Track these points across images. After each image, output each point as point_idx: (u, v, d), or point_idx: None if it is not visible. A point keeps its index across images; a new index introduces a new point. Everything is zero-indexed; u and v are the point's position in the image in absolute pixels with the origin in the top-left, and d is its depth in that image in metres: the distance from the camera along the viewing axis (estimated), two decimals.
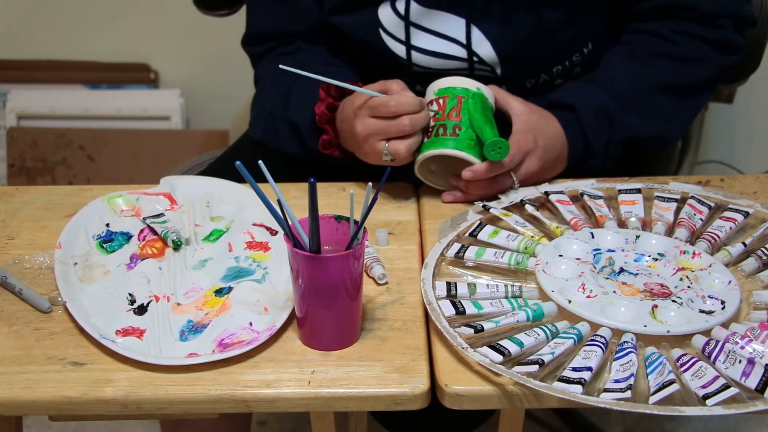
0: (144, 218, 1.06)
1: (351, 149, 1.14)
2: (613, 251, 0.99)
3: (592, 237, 1.01)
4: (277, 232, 1.04)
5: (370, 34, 1.21)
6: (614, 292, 0.92)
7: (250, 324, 0.90)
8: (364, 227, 0.85)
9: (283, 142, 1.23)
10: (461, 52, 1.19)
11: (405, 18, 1.18)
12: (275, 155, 1.22)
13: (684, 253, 0.98)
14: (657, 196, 1.09)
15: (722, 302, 0.90)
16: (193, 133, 2.26)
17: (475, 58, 1.19)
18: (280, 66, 1.07)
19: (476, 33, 1.18)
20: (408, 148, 1.07)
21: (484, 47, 1.19)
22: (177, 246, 1.01)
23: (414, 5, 1.18)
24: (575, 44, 1.23)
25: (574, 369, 0.81)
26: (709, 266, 0.96)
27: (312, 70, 1.09)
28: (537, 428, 1.77)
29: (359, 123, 1.07)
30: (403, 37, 1.20)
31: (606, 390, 0.79)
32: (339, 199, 1.14)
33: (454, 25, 1.18)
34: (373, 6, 1.20)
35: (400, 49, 1.21)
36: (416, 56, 1.21)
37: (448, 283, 0.94)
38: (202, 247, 1.03)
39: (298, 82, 1.18)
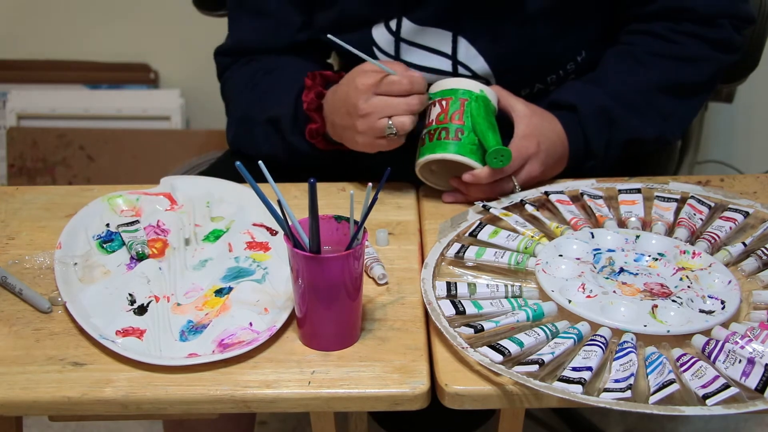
0: (117, 225, 1.05)
1: (339, 136, 1.12)
2: (613, 251, 0.99)
3: (592, 237, 1.01)
4: (277, 232, 1.04)
5: (364, 52, 1.20)
6: (614, 292, 0.92)
7: (250, 324, 0.90)
8: (364, 227, 0.85)
9: (259, 142, 1.21)
10: (447, 65, 1.19)
11: (396, 35, 1.18)
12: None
13: (684, 253, 0.98)
14: (657, 196, 1.09)
15: (722, 302, 0.90)
16: (193, 133, 2.26)
17: (463, 70, 1.19)
18: (329, 36, 1.06)
19: (469, 48, 1.18)
20: (412, 122, 1.07)
21: (477, 62, 1.19)
22: (141, 258, 1.01)
23: (406, 23, 1.18)
24: (569, 53, 1.23)
25: (574, 369, 0.81)
26: (709, 266, 0.96)
27: (290, 72, 1.11)
28: (537, 428, 1.77)
29: (363, 101, 1.06)
30: (394, 53, 1.20)
31: (606, 390, 0.79)
32: (339, 199, 1.14)
33: (443, 39, 1.18)
34: (367, 27, 1.20)
35: None
36: None
37: (448, 283, 0.94)
38: (202, 247, 1.03)
39: (275, 81, 1.19)
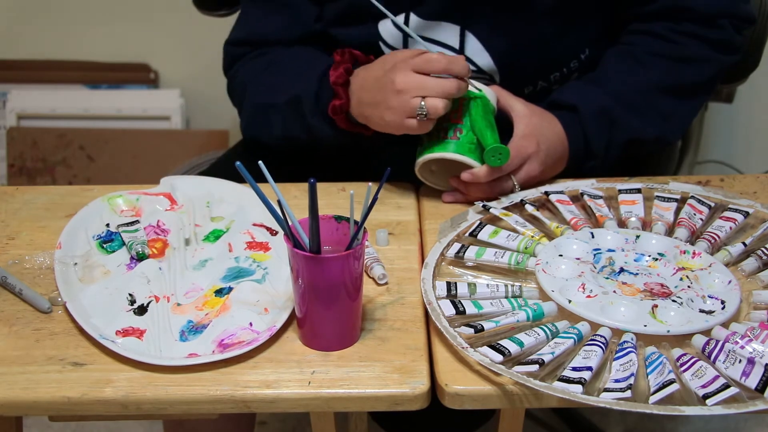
0: (118, 225, 1.05)
1: (364, 116, 1.10)
2: (613, 251, 0.99)
3: (592, 237, 1.01)
4: (277, 232, 1.04)
5: (369, 46, 1.20)
6: (614, 291, 0.92)
7: (250, 324, 0.90)
8: (364, 227, 0.85)
9: (275, 126, 1.20)
10: None
11: (404, 30, 1.18)
12: (275, 156, 1.22)
13: (684, 252, 0.98)
14: (657, 196, 1.09)
15: (722, 302, 0.90)
16: (193, 133, 2.26)
17: (471, 66, 1.19)
18: (372, 0, 1.05)
19: (474, 43, 1.18)
20: (445, 106, 1.05)
21: (482, 57, 1.19)
22: (141, 258, 1.01)
23: (414, 18, 1.18)
24: (572, 51, 1.23)
25: (574, 369, 0.81)
26: (709, 266, 0.96)
27: (309, 56, 1.12)
28: (537, 428, 1.77)
29: (400, 76, 1.04)
30: (401, 48, 1.20)
31: (606, 390, 0.79)
32: (339, 199, 1.14)
33: (450, 33, 1.18)
34: (373, 21, 1.20)
35: None
36: None
37: (448, 283, 0.94)
38: (202, 247, 1.03)
39: (294, 64, 1.18)
